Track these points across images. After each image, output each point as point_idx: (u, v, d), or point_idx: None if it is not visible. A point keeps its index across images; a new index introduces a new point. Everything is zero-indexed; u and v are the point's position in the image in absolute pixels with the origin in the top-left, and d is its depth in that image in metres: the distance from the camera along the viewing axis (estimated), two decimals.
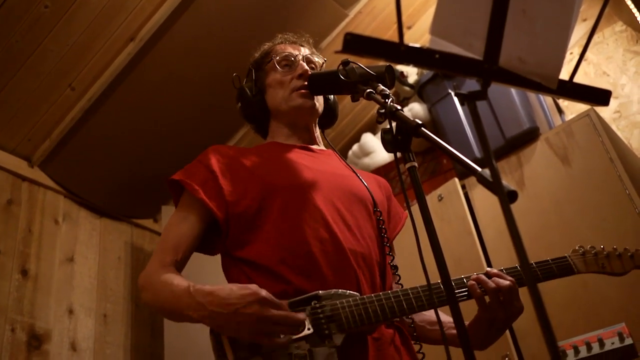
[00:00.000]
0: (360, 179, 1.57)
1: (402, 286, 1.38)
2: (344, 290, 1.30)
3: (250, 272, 1.37)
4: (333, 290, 1.29)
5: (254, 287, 1.20)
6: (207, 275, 1.73)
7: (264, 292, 1.18)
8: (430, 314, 1.54)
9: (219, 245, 1.48)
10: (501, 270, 1.38)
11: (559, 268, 1.46)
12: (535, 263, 1.44)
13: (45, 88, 2.57)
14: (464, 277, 1.37)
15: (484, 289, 1.34)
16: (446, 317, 1.51)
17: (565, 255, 1.49)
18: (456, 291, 1.34)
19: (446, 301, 1.29)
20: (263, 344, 1.19)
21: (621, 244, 2.13)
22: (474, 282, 1.34)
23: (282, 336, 1.18)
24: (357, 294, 1.32)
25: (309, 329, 1.22)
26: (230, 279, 1.44)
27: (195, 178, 1.45)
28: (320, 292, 1.28)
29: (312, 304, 1.26)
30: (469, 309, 1.28)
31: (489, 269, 1.38)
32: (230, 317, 1.16)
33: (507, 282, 1.34)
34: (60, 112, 2.68)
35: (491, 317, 1.35)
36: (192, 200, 1.45)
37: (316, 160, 1.58)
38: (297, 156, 1.56)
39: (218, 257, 1.53)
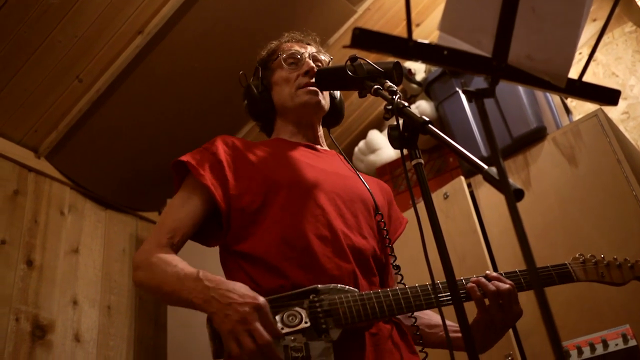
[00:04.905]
0: (363, 181, 1.57)
1: (405, 286, 1.38)
2: (342, 286, 1.30)
3: (248, 265, 1.37)
4: (332, 285, 1.29)
5: (257, 295, 1.20)
6: (207, 267, 1.72)
7: (262, 301, 1.18)
8: (427, 317, 1.55)
9: (217, 237, 1.48)
10: (500, 274, 1.39)
11: (559, 275, 1.46)
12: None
13: (53, 79, 2.58)
14: (463, 279, 1.37)
15: (483, 291, 1.34)
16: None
17: (566, 262, 1.49)
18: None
19: (447, 302, 1.30)
20: (229, 350, 1.15)
21: (626, 245, 2.14)
22: (473, 285, 1.35)
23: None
24: (356, 290, 1.32)
25: (306, 322, 1.22)
26: (227, 272, 1.45)
27: (202, 163, 1.45)
28: (319, 286, 1.28)
29: (311, 297, 1.26)
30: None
31: (488, 272, 1.39)
32: (223, 308, 1.17)
33: (507, 286, 1.35)
34: (67, 103, 2.69)
35: (489, 320, 1.35)
36: (197, 185, 1.45)
37: (320, 160, 1.59)
38: (301, 154, 1.56)
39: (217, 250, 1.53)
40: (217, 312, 1.18)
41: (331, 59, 1.76)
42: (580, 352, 2.05)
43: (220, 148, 1.50)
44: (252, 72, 1.77)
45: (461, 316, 0.92)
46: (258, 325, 1.15)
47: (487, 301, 1.35)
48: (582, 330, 2.09)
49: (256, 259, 1.36)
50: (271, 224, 1.39)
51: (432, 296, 1.33)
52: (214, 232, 1.50)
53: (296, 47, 1.70)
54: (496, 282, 1.35)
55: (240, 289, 1.20)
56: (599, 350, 2.01)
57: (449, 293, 1.32)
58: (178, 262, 1.31)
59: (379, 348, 1.31)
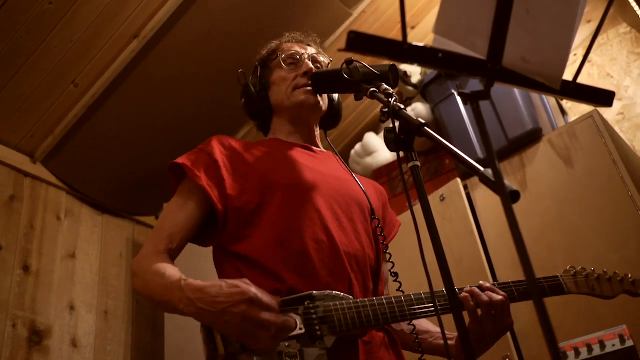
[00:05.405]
0: (359, 184, 1.57)
1: (404, 292, 1.38)
2: (337, 293, 1.30)
3: (244, 267, 1.36)
4: (327, 292, 1.29)
5: (244, 286, 1.16)
6: (202, 268, 1.72)
7: (252, 292, 1.15)
8: (419, 324, 1.54)
9: (212, 237, 1.47)
10: (494, 285, 1.39)
11: (551, 287, 1.48)
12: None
13: (49, 84, 2.57)
14: (457, 289, 1.37)
15: (476, 301, 1.35)
16: (434, 327, 1.52)
17: (557, 275, 1.51)
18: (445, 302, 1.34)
19: (445, 311, 1.30)
20: (251, 346, 1.16)
21: (623, 246, 2.15)
22: (467, 295, 1.35)
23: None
24: (351, 297, 1.32)
25: (300, 329, 1.22)
26: (221, 273, 1.43)
27: (197, 165, 1.44)
28: (314, 292, 1.27)
29: (306, 303, 1.26)
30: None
31: (482, 282, 1.39)
32: (218, 316, 1.14)
33: (500, 297, 1.35)
34: (63, 108, 2.68)
35: (481, 330, 1.36)
36: (193, 187, 1.44)
37: (316, 161, 1.58)
38: (298, 155, 1.56)
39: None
40: (216, 322, 1.16)
41: (331, 60, 1.75)
42: (577, 353, 2.05)
43: (216, 148, 1.49)
44: (252, 71, 1.76)
45: (460, 323, 0.92)
46: (263, 315, 1.14)
47: (479, 311, 1.35)
48: (579, 331, 2.10)
49: (252, 260, 1.36)
50: (267, 225, 1.38)
51: (428, 305, 1.33)
52: (210, 233, 1.48)
53: (296, 48, 1.70)
54: (489, 293, 1.35)
55: (224, 290, 1.16)
56: (596, 351, 2.02)
57: (444, 303, 1.33)
58: (166, 270, 1.28)
59: (371, 356, 1.32)
